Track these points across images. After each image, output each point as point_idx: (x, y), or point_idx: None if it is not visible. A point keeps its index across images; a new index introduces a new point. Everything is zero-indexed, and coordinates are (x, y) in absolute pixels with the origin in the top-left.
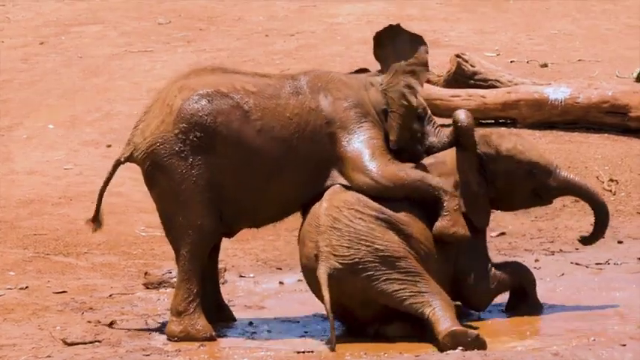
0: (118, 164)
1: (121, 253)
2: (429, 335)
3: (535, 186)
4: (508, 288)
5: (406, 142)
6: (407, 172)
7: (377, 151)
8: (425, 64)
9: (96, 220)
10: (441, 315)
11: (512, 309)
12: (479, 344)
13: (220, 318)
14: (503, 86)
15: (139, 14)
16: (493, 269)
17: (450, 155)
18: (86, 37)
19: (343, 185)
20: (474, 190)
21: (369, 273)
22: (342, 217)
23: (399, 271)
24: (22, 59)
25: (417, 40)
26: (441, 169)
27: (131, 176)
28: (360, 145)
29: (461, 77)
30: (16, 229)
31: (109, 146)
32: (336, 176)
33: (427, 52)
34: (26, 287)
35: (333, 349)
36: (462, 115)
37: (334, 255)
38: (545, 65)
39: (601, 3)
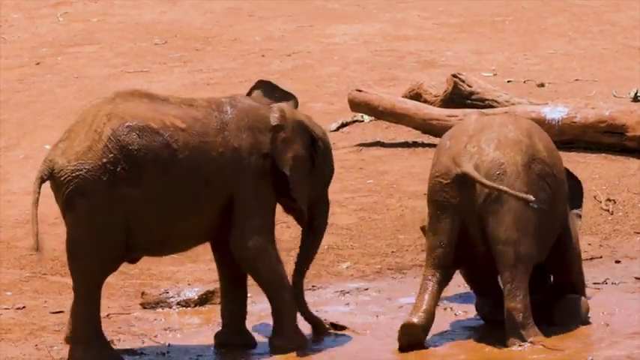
0: (42, 182)
1: (117, 273)
2: None
3: None
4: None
5: None
6: None
7: None
8: None
9: (40, 249)
10: None
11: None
12: None
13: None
14: (500, 106)
15: (135, 35)
16: None
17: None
18: (82, 58)
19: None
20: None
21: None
22: (494, 123)
23: None
24: (18, 80)
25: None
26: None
27: None
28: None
29: (457, 97)
30: (12, 250)
31: None
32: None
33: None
34: (23, 307)
35: None
36: None
37: (479, 155)
38: (542, 85)
39: (598, 23)
